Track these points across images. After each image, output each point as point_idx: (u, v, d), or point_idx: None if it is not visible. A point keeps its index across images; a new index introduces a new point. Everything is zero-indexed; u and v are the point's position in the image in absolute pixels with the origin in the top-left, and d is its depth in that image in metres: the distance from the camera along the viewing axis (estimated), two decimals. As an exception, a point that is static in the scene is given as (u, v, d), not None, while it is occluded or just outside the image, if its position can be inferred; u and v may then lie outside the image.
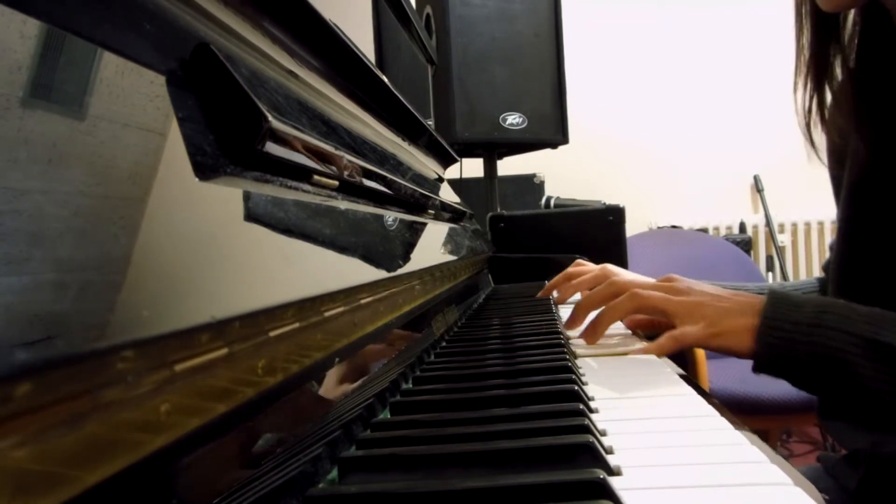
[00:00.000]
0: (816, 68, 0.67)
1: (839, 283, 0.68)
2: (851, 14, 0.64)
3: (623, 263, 1.45)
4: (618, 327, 0.81)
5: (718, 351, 0.62)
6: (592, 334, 0.70)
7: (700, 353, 1.68)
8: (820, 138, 0.70)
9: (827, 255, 3.04)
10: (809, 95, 0.68)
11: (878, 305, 0.57)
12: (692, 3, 3.02)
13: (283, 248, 0.34)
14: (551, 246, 1.47)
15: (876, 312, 0.56)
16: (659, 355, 0.64)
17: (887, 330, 0.55)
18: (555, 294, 1.08)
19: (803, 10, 0.67)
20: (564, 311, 0.95)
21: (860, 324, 0.55)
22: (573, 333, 0.75)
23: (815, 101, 0.68)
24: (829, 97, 0.68)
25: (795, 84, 0.69)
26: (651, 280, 0.80)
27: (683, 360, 1.66)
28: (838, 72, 0.66)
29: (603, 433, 0.39)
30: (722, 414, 0.42)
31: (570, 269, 0.91)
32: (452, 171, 1.53)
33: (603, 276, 0.82)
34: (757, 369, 0.60)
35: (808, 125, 0.69)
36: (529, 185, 2.29)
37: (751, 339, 0.59)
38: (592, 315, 0.73)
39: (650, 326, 0.78)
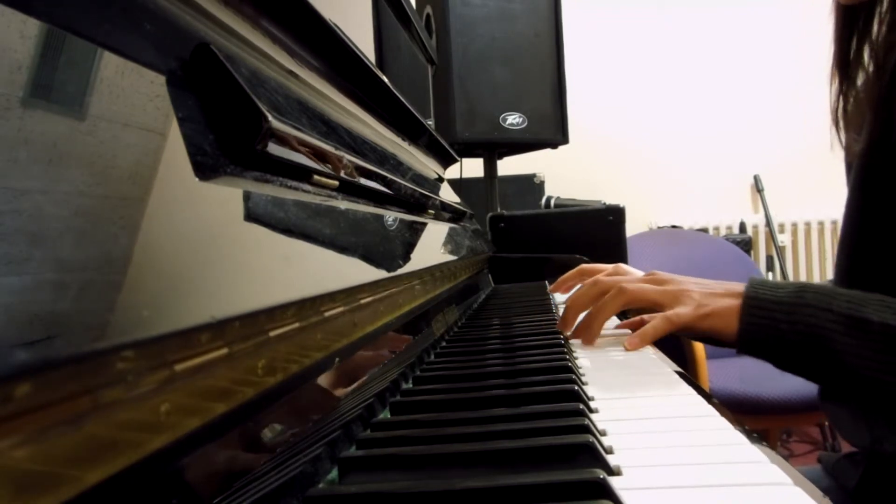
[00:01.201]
0: (841, 61, 0.69)
1: (846, 268, 0.68)
2: (882, 13, 0.65)
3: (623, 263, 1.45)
4: (611, 326, 0.81)
5: (706, 334, 0.63)
6: (587, 335, 0.71)
7: (700, 353, 1.68)
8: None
9: (828, 254, 3.03)
10: (837, 88, 0.70)
11: (884, 290, 0.58)
12: (692, 3, 3.02)
13: (283, 248, 0.34)
14: (551, 246, 1.47)
15: (855, 293, 0.58)
16: (655, 337, 0.64)
17: (866, 307, 0.55)
18: (557, 296, 1.08)
19: (834, 9, 0.69)
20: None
21: (840, 301, 0.57)
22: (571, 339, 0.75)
23: (840, 93, 0.70)
24: (851, 95, 0.70)
25: (831, 79, 0.70)
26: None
27: (683, 359, 1.66)
28: (866, 63, 0.67)
29: (603, 433, 0.39)
30: (722, 414, 0.42)
31: (585, 266, 0.91)
32: (452, 171, 1.53)
33: (617, 272, 0.82)
34: (740, 349, 0.61)
35: (836, 117, 0.71)
36: (529, 185, 2.29)
37: (736, 320, 0.60)
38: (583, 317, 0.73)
39: (641, 326, 0.78)
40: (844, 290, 0.58)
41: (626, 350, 0.65)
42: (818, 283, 0.61)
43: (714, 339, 0.64)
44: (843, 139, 0.72)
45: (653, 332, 0.64)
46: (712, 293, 0.64)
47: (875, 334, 0.54)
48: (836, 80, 0.71)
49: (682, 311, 0.63)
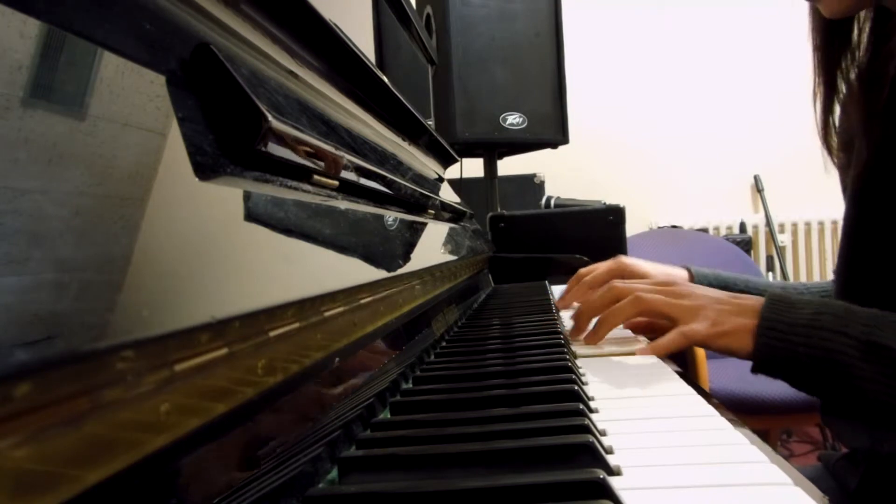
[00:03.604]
0: (827, 77, 0.69)
1: (844, 281, 0.68)
2: (861, 21, 0.65)
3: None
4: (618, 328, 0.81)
5: (720, 351, 0.62)
6: (594, 337, 0.70)
7: (700, 353, 1.68)
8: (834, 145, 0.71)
9: (828, 254, 3.03)
10: (823, 104, 0.70)
11: (880, 304, 0.57)
12: (692, 2, 3.02)
13: (283, 248, 0.34)
14: (551, 246, 1.47)
15: (874, 314, 0.57)
16: (669, 351, 0.64)
17: (884, 331, 0.55)
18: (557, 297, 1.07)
19: (813, 23, 0.68)
20: (565, 313, 0.95)
21: (857, 325, 0.56)
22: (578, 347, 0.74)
23: (827, 109, 0.70)
24: (837, 110, 0.70)
25: (814, 94, 0.70)
26: (665, 268, 0.79)
27: (683, 360, 1.66)
28: (852, 79, 0.67)
29: (603, 433, 0.39)
30: (722, 414, 0.42)
31: (581, 270, 0.89)
32: (452, 171, 1.53)
33: (618, 268, 0.81)
34: (755, 370, 0.60)
35: (824, 134, 0.70)
36: (529, 185, 2.29)
37: (751, 340, 0.60)
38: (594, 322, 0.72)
39: (649, 329, 0.78)
40: (863, 312, 0.57)
41: (638, 356, 0.65)
42: (837, 302, 0.60)
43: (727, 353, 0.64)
44: (835, 159, 0.71)
45: (667, 346, 0.63)
46: (727, 311, 0.62)
47: (891, 360, 0.53)
48: (822, 97, 0.70)
49: (698, 328, 0.62)
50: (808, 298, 0.61)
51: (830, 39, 0.68)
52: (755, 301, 0.62)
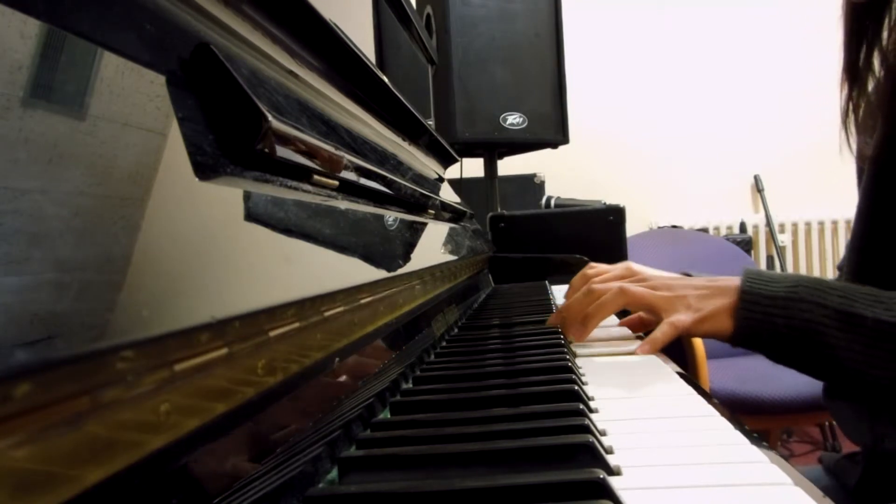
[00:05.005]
0: (851, 67, 0.69)
1: (856, 267, 0.69)
2: (894, 11, 0.65)
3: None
4: (613, 324, 0.81)
5: (706, 336, 0.65)
6: (581, 331, 0.71)
7: (700, 353, 1.68)
8: (853, 134, 0.72)
9: (828, 254, 3.02)
10: (846, 94, 0.71)
11: (894, 287, 0.59)
12: (692, 2, 3.02)
13: (283, 248, 0.34)
14: (551, 246, 1.47)
15: (846, 286, 0.59)
16: (664, 343, 0.65)
17: (859, 302, 0.57)
18: (558, 296, 1.07)
19: (846, 5, 0.69)
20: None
21: (833, 296, 0.58)
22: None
23: (850, 98, 0.71)
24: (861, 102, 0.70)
25: (841, 85, 0.71)
26: (671, 275, 0.80)
27: (683, 359, 1.66)
28: (875, 70, 0.68)
29: (603, 433, 0.39)
30: (722, 414, 0.42)
31: (588, 271, 0.89)
32: (453, 171, 1.53)
33: (629, 273, 0.81)
34: (735, 341, 0.62)
35: (845, 121, 0.71)
36: (529, 185, 2.29)
37: (731, 319, 0.62)
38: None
39: (641, 327, 0.78)
40: (836, 284, 0.60)
41: (638, 356, 0.66)
42: (811, 276, 0.62)
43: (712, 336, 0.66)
44: (853, 143, 0.72)
45: (662, 338, 0.65)
46: (706, 296, 0.65)
47: (867, 329, 0.56)
48: (846, 87, 0.71)
49: (682, 318, 0.65)
50: (784, 273, 0.64)
51: (861, 22, 0.68)
52: (732, 281, 0.64)
